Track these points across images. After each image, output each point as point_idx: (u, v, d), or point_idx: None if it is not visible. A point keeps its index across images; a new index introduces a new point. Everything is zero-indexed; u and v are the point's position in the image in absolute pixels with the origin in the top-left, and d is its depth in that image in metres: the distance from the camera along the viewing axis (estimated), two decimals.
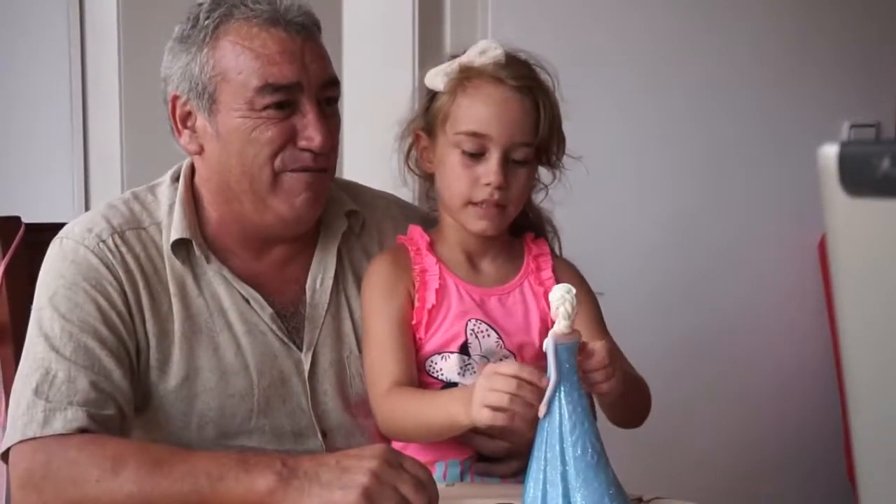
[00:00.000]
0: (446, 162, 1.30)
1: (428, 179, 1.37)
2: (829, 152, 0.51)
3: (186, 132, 1.36)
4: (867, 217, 0.51)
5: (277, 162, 1.32)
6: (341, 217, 1.44)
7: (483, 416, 1.14)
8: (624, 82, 2.43)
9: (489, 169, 1.27)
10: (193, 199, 1.39)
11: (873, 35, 2.71)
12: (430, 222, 1.42)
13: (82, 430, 1.23)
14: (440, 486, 1.15)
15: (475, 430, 1.25)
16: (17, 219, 1.54)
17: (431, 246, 1.35)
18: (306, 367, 1.39)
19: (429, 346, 1.30)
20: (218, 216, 1.39)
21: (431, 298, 1.30)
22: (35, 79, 2.18)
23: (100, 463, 1.18)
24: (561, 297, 1.09)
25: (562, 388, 1.11)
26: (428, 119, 1.32)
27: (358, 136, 2.23)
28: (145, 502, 1.15)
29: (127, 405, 1.29)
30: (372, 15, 2.25)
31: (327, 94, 1.35)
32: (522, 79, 1.28)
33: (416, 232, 1.37)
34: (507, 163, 1.28)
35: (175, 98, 1.35)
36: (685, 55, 2.52)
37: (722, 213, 2.62)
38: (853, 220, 0.51)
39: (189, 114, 1.35)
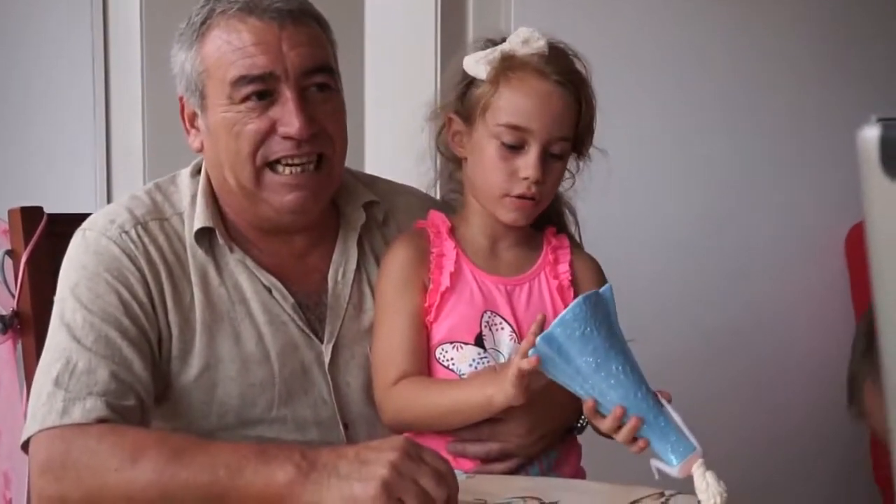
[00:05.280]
0: (483, 151, 1.29)
1: (455, 163, 1.36)
2: (870, 134, 0.49)
3: (193, 131, 1.38)
4: None
5: (259, 156, 1.31)
6: (359, 209, 1.43)
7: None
8: (650, 78, 2.41)
9: (528, 163, 1.26)
10: (213, 191, 1.39)
11: None
12: (449, 213, 1.41)
13: (102, 420, 1.23)
14: (460, 478, 1.14)
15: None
16: (40, 209, 1.55)
17: (452, 231, 1.34)
18: (327, 358, 1.38)
19: (440, 333, 1.30)
20: (230, 209, 1.39)
21: (446, 281, 1.30)
22: (58, 71, 2.18)
23: (119, 452, 1.18)
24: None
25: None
26: (465, 105, 1.31)
27: (381, 129, 2.22)
28: (163, 492, 1.14)
29: (147, 396, 1.29)
30: (394, 7, 2.25)
31: (315, 81, 1.32)
32: (566, 73, 1.27)
33: (437, 217, 1.37)
34: (544, 157, 1.27)
35: (181, 98, 1.38)
36: (712, 51, 2.50)
37: (746, 210, 2.60)
38: (894, 203, 0.49)
39: (194, 113, 1.37)
